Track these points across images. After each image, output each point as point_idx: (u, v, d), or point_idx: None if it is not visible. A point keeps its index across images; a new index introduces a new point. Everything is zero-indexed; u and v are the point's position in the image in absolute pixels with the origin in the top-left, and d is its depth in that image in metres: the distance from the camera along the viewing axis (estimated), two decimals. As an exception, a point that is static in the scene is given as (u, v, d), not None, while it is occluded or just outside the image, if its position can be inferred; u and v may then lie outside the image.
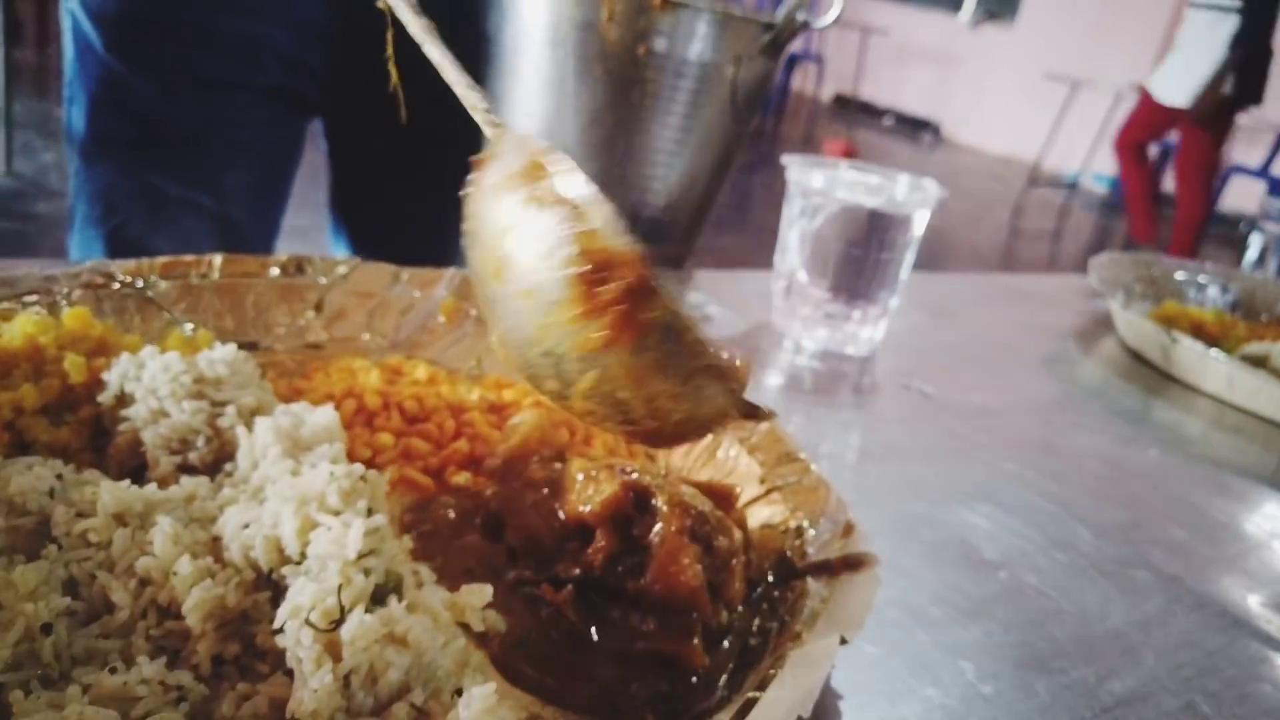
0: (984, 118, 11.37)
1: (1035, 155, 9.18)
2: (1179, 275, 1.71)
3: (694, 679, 0.61)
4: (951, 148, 6.31)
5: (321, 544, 0.53)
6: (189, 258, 0.92)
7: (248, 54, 1.32)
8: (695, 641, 0.62)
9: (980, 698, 0.66)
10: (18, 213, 4.11)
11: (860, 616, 0.60)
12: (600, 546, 0.66)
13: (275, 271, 0.96)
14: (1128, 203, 7.11)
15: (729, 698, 0.58)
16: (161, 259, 0.90)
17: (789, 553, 0.71)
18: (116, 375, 0.70)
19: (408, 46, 0.65)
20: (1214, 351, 1.30)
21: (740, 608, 0.66)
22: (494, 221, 0.55)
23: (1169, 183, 7.39)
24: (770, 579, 0.69)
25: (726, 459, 0.83)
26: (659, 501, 0.67)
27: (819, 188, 1.21)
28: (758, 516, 0.76)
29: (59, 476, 0.61)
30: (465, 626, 0.59)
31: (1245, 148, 7.81)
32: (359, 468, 0.59)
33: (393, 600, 0.52)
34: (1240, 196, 8.26)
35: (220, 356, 0.72)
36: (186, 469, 0.66)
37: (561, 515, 0.69)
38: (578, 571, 0.65)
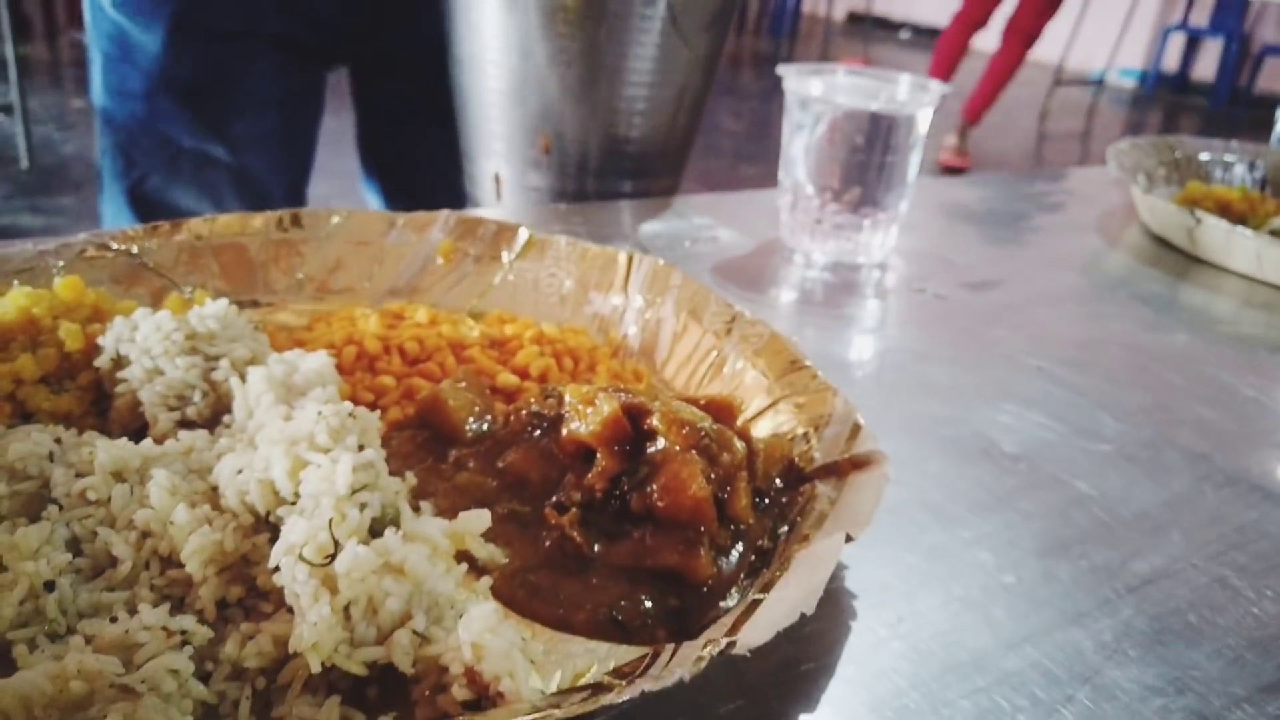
0: (1004, 22, 11.02)
1: (1058, 56, 8.92)
2: (1204, 156, 1.65)
3: (704, 591, 0.61)
4: (972, 55, 6.13)
5: (312, 482, 0.53)
6: (182, 221, 0.92)
7: (250, 2, 1.32)
8: (702, 554, 0.61)
9: (1000, 587, 0.65)
10: (44, 207, 4.15)
11: (867, 514, 0.59)
12: (601, 468, 0.65)
13: (270, 228, 0.95)
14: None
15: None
16: (152, 224, 0.90)
17: (797, 459, 0.70)
18: (111, 339, 0.70)
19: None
20: (1240, 228, 1.26)
21: (749, 520, 0.66)
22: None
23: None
24: (779, 486, 0.69)
25: (733, 374, 0.82)
26: (656, 420, 0.66)
27: (818, 95, 1.18)
28: (766, 427, 0.75)
29: (58, 440, 0.61)
30: (467, 562, 0.59)
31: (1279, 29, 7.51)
32: (348, 405, 0.58)
33: (389, 532, 0.52)
34: (1273, 79, 7.97)
35: (211, 312, 0.71)
36: (186, 424, 0.66)
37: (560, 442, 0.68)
38: (579, 496, 0.65)
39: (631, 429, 0.66)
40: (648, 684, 0.44)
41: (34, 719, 0.43)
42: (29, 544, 0.52)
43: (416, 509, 0.62)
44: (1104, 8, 8.66)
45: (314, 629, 0.47)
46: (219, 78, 1.36)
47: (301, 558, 0.49)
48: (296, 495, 0.54)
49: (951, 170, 5.96)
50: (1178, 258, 1.37)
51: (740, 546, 0.64)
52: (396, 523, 0.55)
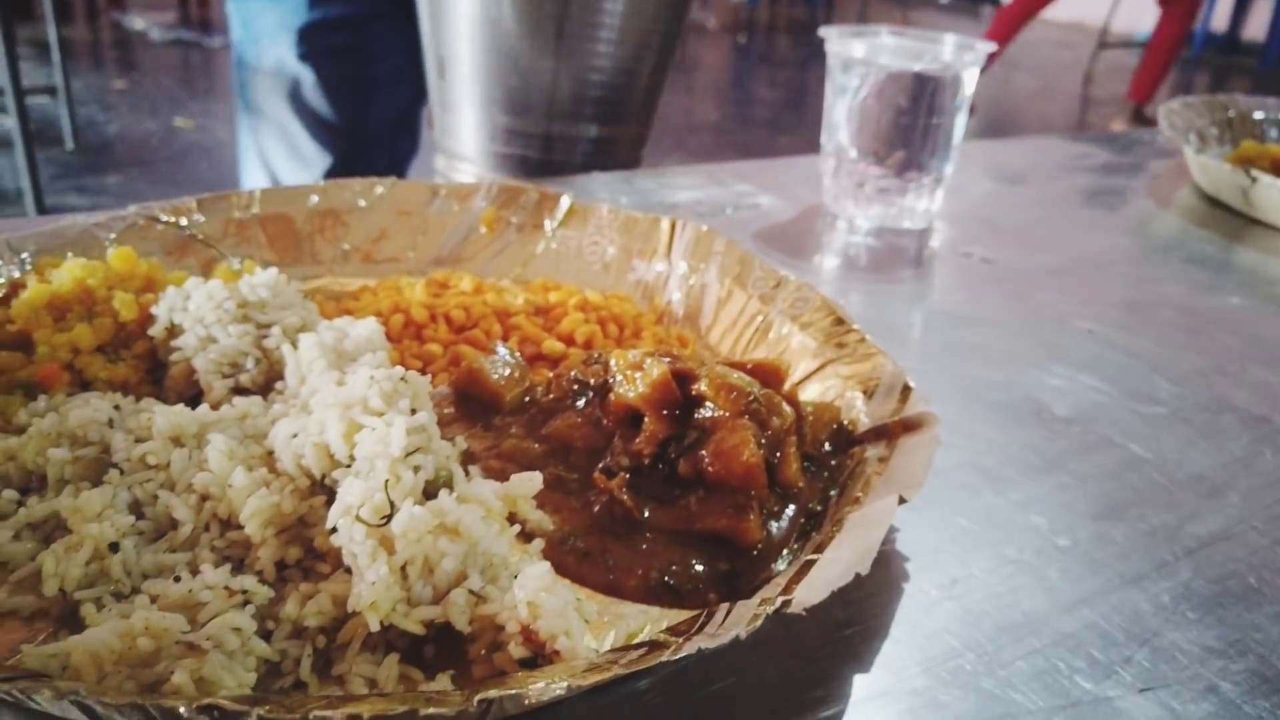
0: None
1: (1103, 17, 8.71)
2: (1258, 114, 1.61)
3: (754, 555, 0.60)
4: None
5: (367, 445, 0.54)
6: (228, 193, 0.93)
7: None
8: (752, 518, 0.61)
9: (1055, 550, 0.64)
10: (90, 187, 4.21)
11: (920, 476, 0.59)
12: (649, 433, 0.65)
13: (315, 199, 0.96)
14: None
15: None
16: (199, 197, 0.91)
17: (845, 423, 0.70)
18: (165, 308, 0.71)
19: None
20: (1298, 186, 1.22)
21: (799, 484, 0.65)
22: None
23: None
24: (828, 449, 0.68)
25: (778, 338, 0.81)
26: (704, 385, 0.66)
27: (861, 57, 1.16)
28: (813, 391, 0.74)
29: (116, 407, 0.62)
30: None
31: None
32: (399, 370, 0.59)
33: (443, 494, 0.53)
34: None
35: (262, 280, 0.72)
36: (239, 391, 0.67)
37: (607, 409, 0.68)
38: (627, 461, 0.65)
39: (679, 393, 0.66)
40: (705, 641, 0.44)
41: (104, 674, 0.44)
42: (93, 507, 0.53)
43: (466, 474, 0.62)
44: (1150, -33, 8.44)
45: (372, 588, 0.48)
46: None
47: (359, 518, 0.50)
48: (351, 458, 0.54)
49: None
50: (1231, 218, 1.34)
51: (790, 510, 0.63)
52: (449, 485, 0.55)
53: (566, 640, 0.48)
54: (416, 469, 0.54)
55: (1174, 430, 0.80)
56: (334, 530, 0.51)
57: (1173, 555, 0.64)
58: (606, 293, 0.92)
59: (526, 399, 0.74)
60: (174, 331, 0.70)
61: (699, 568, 0.59)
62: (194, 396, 0.69)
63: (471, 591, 0.50)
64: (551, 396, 0.73)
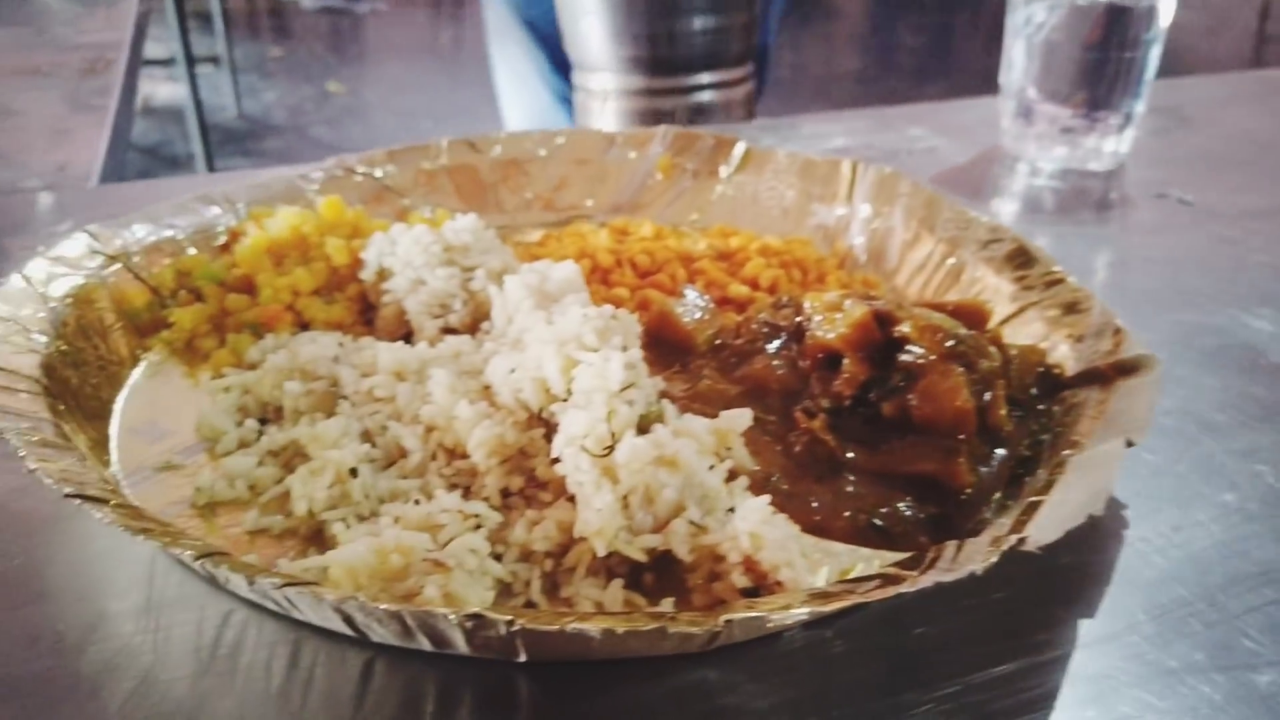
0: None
1: (1285, -56, 8.02)
2: None
3: (963, 499, 0.59)
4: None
5: (585, 379, 0.55)
6: (418, 145, 0.96)
7: None
8: (962, 462, 0.60)
9: (1284, 501, 0.61)
10: (254, 151, 4.43)
11: (1144, 419, 0.57)
12: (850, 374, 0.64)
13: (498, 150, 0.98)
14: None
15: (1004, 512, 0.57)
16: (390, 149, 0.94)
17: (1051, 366, 0.67)
18: (374, 253, 0.74)
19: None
20: None
21: (1008, 427, 0.63)
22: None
23: None
24: (1034, 394, 0.66)
25: (972, 280, 0.79)
26: (907, 326, 0.64)
27: (1046, -10, 1.10)
28: (1014, 333, 0.72)
29: (340, 344, 0.66)
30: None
31: None
32: (609, 308, 0.60)
33: (658, 428, 0.54)
34: None
35: (464, 225, 0.75)
36: (448, 331, 0.70)
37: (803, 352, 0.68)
38: (827, 402, 0.64)
39: (880, 334, 0.65)
40: (942, 575, 0.44)
41: (359, 587, 0.47)
42: (330, 435, 0.57)
43: (668, 412, 0.63)
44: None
45: (598, 515, 0.49)
46: None
47: (584, 449, 0.51)
48: (569, 392, 0.56)
49: None
50: None
51: (998, 455, 0.62)
52: (661, 419, 0.56)
53: (789, 571, 0.48)
54: (631, 403, 0.55)
55: None
56: (557, 460, 0.53)
57: None
58: (786, 237, 0.91)
59: (718, 342, 0.74)
60: (383, 275, 0.73)
61: (907, 511, 0.58)
62: (404, 336, 0.72)
63: (691, 522, 0.51)
64: (742, 340, 0.73)
